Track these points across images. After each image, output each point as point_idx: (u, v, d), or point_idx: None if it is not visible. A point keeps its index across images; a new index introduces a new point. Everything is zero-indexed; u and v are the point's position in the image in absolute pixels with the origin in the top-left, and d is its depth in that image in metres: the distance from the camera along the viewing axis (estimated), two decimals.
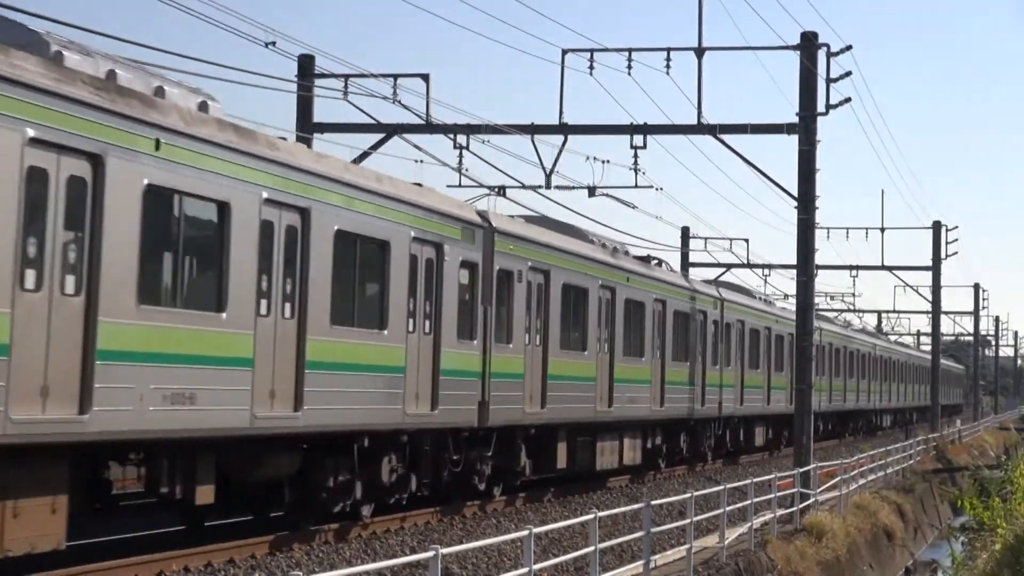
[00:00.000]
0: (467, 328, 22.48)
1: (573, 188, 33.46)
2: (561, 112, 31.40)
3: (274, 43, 22.68)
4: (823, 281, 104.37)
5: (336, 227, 18.37)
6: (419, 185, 22.39)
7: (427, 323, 21.13)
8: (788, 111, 35.07)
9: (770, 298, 48.79)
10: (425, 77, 29.93)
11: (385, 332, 19.74)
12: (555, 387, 25.99)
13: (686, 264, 54.32)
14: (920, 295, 73.02)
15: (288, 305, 17.38)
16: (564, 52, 30.89)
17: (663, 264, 35.55)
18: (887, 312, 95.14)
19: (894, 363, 76.18)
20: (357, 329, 19.05)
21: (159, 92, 15.68)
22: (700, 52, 30.81)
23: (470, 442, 23.29)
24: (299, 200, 17.53)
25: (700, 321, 36.61)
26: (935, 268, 67.17)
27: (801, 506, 27.60)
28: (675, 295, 34.30)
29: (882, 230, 62.30)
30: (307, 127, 30.96)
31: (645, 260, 33.65)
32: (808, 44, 31.02)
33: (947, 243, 67.04)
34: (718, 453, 40.72)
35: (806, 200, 31.04)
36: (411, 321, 20.58)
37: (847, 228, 60.51)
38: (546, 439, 26.81)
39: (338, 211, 18.42)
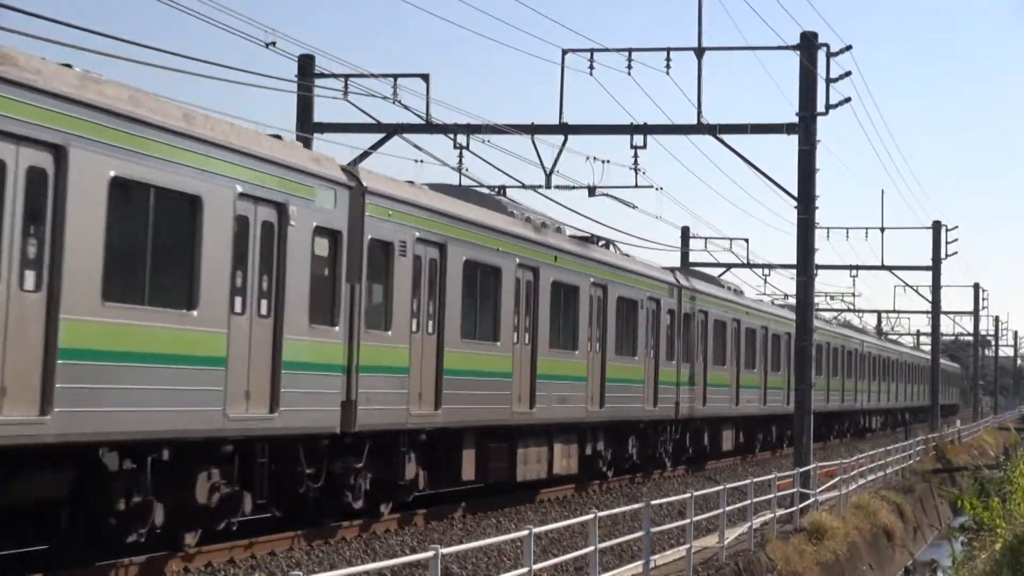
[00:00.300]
0: (325, 311, 18.16)
1: (573, 188, 33.24)
2: (561, 112, 31.16)
3: (274, 43, 22.60)
4: (823, 281, 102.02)
5: (112, 174, 14.04)
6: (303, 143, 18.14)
7: (263, 303, 16.80)
8: (788, 111, 34.78)
9: (739, 288, 44.59)
10: (425, 77, 29.84)
11: (194, 313, 15.39)
12: (454, 384, 21.65)
13: (686, 263, 52.04)
14: (920, 295, 72.08)
15: (32, 275, 13.09)
16: (564, 52, 30.74)
17: (611, 245, 31.19)
18: (887, 312, 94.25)
19: (884, 361, 72.27)
20: (148, 308, 14.68)
21: None
22: (700, 52, 30.58)
23: (334, 451, 18.98)
24: (49, 135, 13.22)
25: (652, 310, 32.22)
26: (935, 268, 66.62)
27: (801, 506, 27.24)
28: (620, 279, 29.93)
29: (882, 230, 61.43)
30: (307, 127, 30.59)
31: (586, 240, 29.32)
32: (808, 44, 30.79)
33: (947, 243, 66.62)
34: (678, 459, 36.35)
35: (806, 200, 30.74)
36: (238, 300, 16.25)
37: (847, 228, 60.06)
38: (448, 446, 22.51)
39: (115, 153, 14.08)
